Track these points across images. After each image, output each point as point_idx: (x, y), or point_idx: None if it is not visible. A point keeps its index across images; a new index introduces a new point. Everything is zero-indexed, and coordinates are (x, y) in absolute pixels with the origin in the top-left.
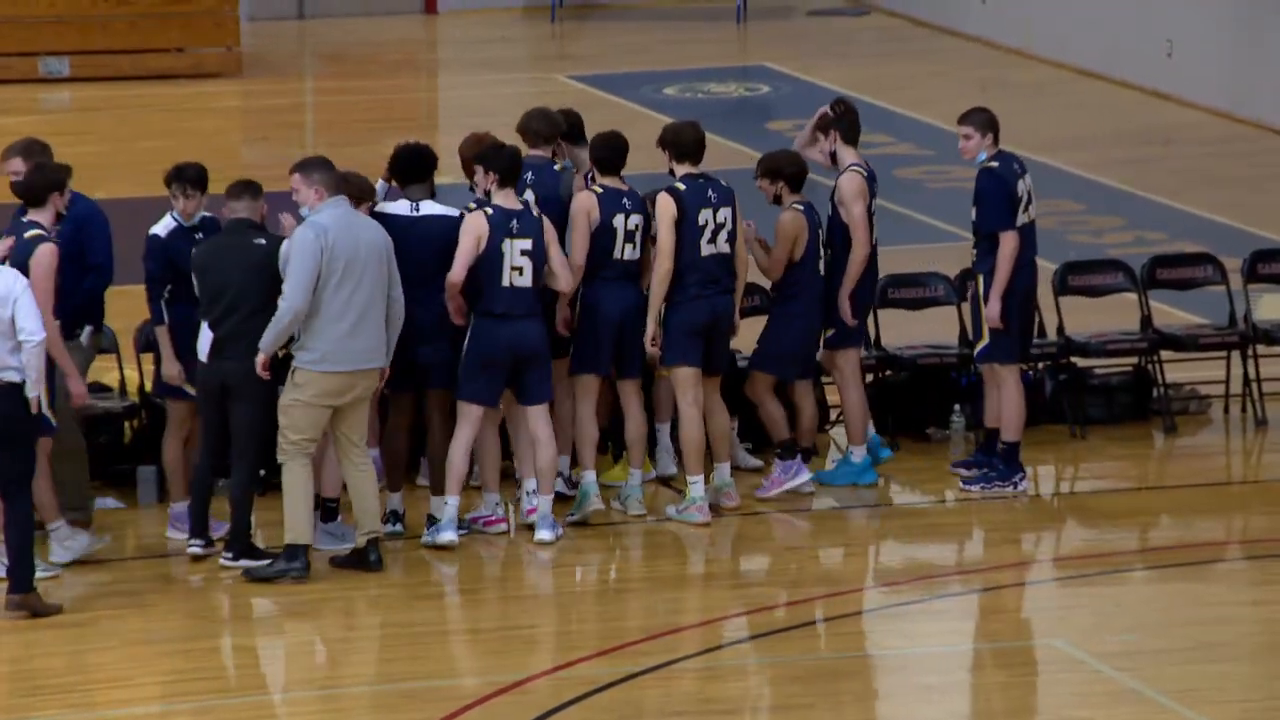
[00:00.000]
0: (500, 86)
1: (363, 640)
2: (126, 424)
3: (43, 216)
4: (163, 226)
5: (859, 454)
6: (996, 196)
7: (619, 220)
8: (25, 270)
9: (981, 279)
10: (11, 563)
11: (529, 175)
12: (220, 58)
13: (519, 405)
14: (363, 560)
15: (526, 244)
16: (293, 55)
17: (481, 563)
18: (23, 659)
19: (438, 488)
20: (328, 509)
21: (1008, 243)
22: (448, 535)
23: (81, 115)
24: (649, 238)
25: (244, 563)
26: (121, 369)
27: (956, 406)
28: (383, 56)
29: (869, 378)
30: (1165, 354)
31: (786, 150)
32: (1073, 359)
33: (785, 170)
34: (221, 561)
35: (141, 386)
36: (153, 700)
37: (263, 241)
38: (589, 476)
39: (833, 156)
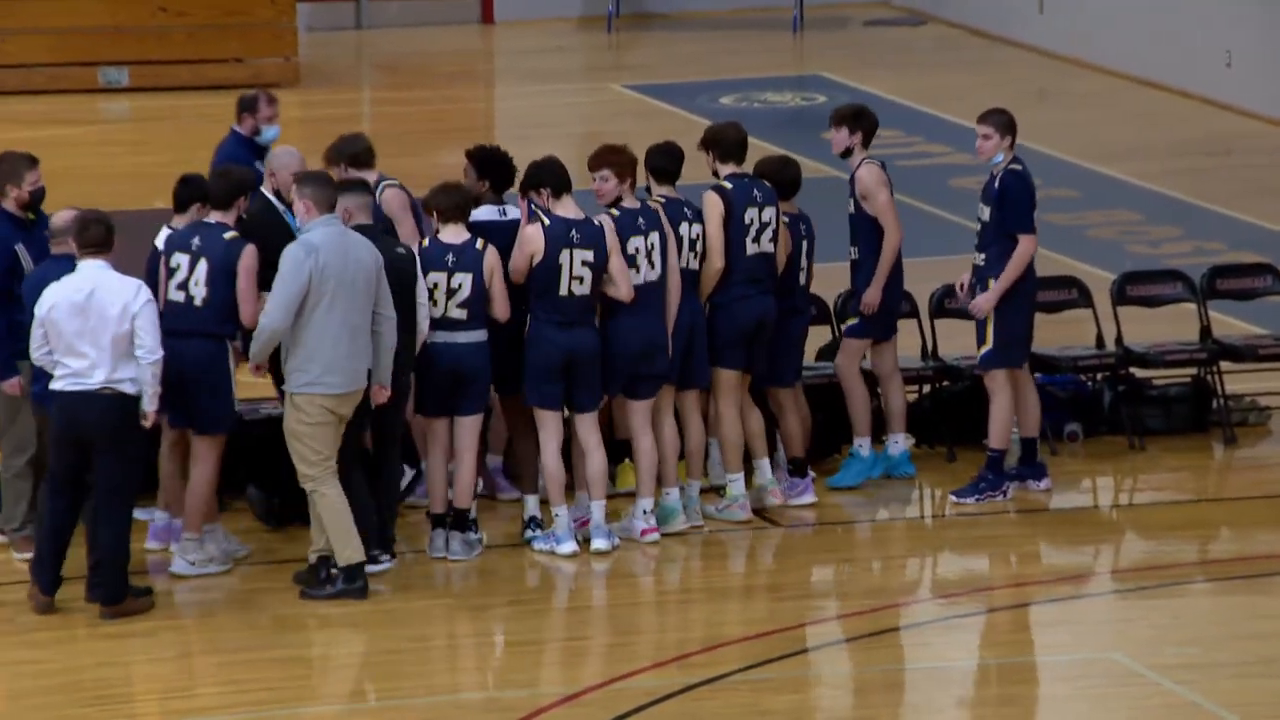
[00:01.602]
0: (556, 96)
1: (417, 652)
2: None
3: (229, 218)
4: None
5: (866, 447)
6: (1023, 197)
7: (684, 229)
8: (231, 272)
9: (993, 283)
10: (103, 575)
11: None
12: (278, 68)
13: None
14: (314, 574)
15: (588, 254)
16: (350, 66)
17: (535, 574)
18: (82, 668)
19: (530, 487)
20: (460, 517)
21: (1028, 245)
22: (568, 545)
23: (141, 125)
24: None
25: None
26: None
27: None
28: (439, 67)
29: (925, 388)
30: (1225, 364)
31: (780, 157)
32: (1131, 369)
33: (776, 179)
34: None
35: None
36: (211, 711)
37: (403, 250)
38: (675, 494)
39: (847, 152)
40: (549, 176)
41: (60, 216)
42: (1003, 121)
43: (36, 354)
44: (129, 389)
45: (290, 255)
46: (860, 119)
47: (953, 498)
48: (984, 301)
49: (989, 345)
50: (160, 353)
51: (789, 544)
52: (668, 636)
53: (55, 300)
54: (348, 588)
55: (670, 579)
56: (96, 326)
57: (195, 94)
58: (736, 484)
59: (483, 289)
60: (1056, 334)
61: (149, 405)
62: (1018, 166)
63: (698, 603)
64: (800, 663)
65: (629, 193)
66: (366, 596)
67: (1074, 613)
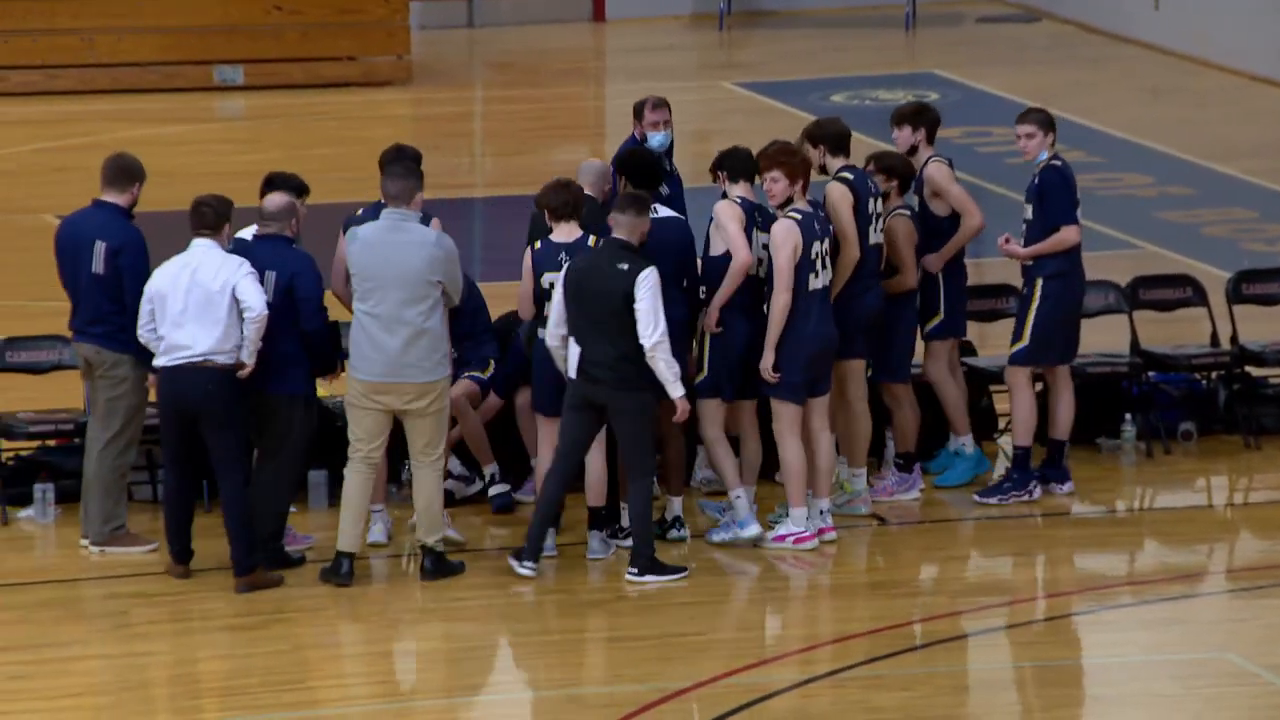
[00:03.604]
0: (667, 94)
1: (529, 645)
2: None
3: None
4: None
5: (970, 444)
6: (1062, 190)
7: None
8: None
9: (1040, 283)
10: (231, 545)
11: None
12: (391, 66)
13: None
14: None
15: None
16: (462, 64)
17: None
18: (195, 661)
19: (676, 488)
20: (595, 515)
21: (1069, 233)
22: (752, 530)
23: (255, 123)
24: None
25: (650, 578)
26: None
27: (1127, 416)
28: (551, 65)
29: (1038, 386)
30: None
31: (893, 151)
32: (1246, 368)
33: (900, 170)
34: (629, 577)
35: None
36: (324, 704)
37: (625, 266)
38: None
39: (912, 150)
40: (737, 163)
41: (272, 201)
42: (1043, 119)
43: (142, 331)
44: (226, 360)
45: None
46: (921, 116)
47: (976, 498)
48: (1015, 248)
49: (1025, 341)
50: (264, 311)
51: (897, 541)
52: (777, 633)
53: (162, 278)
54: (332, 575)
55: (779, 576)
56: (198, 301)
57: (308, 92)
58: (859, 479)
59: None
60: (1171, 332)
61: (247, 358)
62: (1058, 163)
63: (807, 600)
64: (910, 660)
65: (800, 195)
66: (349, 584)
67: (1187, 612)
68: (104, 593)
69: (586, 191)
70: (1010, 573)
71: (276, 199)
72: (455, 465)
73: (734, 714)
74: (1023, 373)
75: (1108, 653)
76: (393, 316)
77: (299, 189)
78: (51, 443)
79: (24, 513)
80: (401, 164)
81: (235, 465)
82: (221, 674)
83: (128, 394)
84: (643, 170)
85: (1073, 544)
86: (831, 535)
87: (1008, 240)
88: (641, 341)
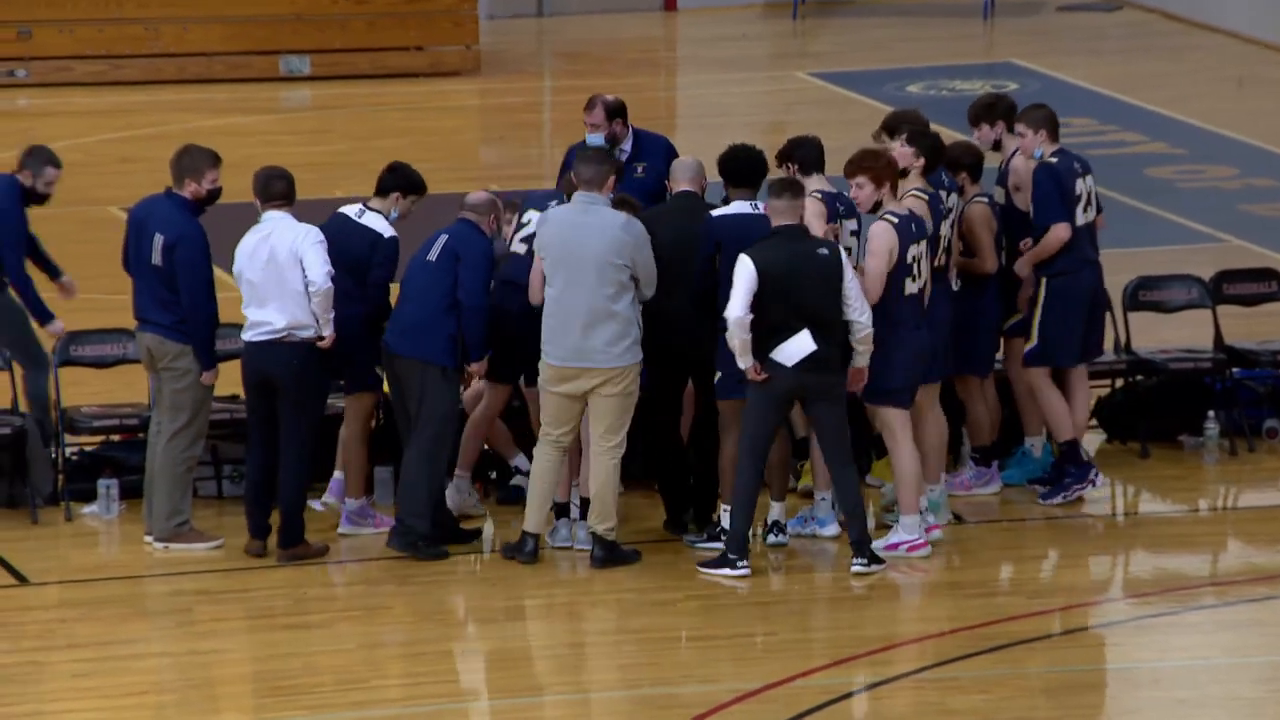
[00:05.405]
0: (740, 85)
1: (596, 645)
2: None
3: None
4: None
5: (1038, 445)
6: (1048, 191)
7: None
8: None
9: (1045, 282)
10: (281, 517)
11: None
12: (459, 56)
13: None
14: (518, 550)
15: (853, 224)
16: (531, 53)
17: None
18: (260, 659)
19: (726, 495)
20: (587, 506)
21: (1059, 232)
22: (831, 528)
23: (321, 113)
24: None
25: (876, 567)
26: None
27: (1210, 413)
28: (621, 55)
29: (1118, 382)
30: None
31: (964, 140)
32: None
33: (964, 160)
34: (854, 568)
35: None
36: (390, 703)
37: (825, 251)
38: (939, 489)
39: (996, 144)
40: (797, 150)
41: (475, 195)
42: (1037, 118)
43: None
44: (307, 334)
45: None
46: (993, 109)
47: (1040, 501)
48: (1022, 262)
49: (1033, 342)
50: (327, 285)
51: (974, 540)
52: (852, 633)
53: (242, 253)
54: (514, 553)
55: (856, 575)
56: (275, 273)
57: (375, 82)
58: (935, 490)
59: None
60: (1255, 327)
61: (325, 330)
62: (1052, 160)
63: (882, 600)
64: (987, 662)
65: (890, 197)
66: (534, 563)
67: (1271, 614)
68: (168, 590)
69: (687, 187)
70: (1089, 573)
71: (480, 194)
72: (522, 461)
73: (808, 715)
74: (1039, 373)
75: (1189, 655)
76: (578, 299)
77: (414, 184)
78: (115, 437)
79: (88, 508)
80: (597, 150)
81: (301, 443)
82: (286, 672)
83: (192, 386)
84: (739, 170)
85: (1154, 543)
86: (937, 534)
87: (1027, 242)
88: (857, 319)
